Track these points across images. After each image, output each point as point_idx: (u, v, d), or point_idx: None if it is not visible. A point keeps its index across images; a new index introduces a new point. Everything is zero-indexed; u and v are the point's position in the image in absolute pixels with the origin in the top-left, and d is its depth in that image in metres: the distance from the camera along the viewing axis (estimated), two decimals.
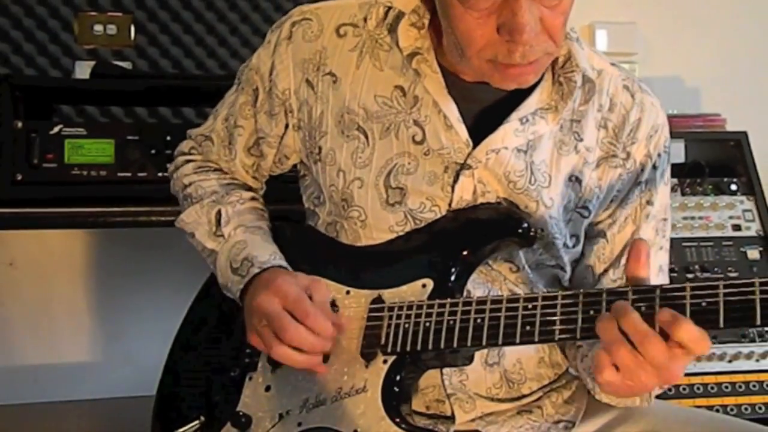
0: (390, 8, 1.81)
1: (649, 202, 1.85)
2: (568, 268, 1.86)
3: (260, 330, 1.72)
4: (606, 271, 1.86)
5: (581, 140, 1.80)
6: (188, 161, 2.07)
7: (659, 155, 1.85)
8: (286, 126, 1.92)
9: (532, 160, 1.77)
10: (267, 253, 1.83)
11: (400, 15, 1.79)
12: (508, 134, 1.75)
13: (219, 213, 1.92)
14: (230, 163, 2.01)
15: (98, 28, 3.25)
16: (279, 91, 1.89)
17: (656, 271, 1.86)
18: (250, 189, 2.04)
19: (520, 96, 1.75)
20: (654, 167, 1.84)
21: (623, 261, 1.83)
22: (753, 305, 1.39)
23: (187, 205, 1.98)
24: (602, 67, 1.83)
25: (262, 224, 1.94)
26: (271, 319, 1.68)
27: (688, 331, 1.39)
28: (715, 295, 1.42)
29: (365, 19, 1.84)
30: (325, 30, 1.86)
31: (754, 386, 2.87)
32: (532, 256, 1.80)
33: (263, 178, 2.05)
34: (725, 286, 1.42)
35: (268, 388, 1.79)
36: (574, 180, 1.81)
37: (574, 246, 1.85)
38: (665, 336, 1.42)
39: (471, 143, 1.75)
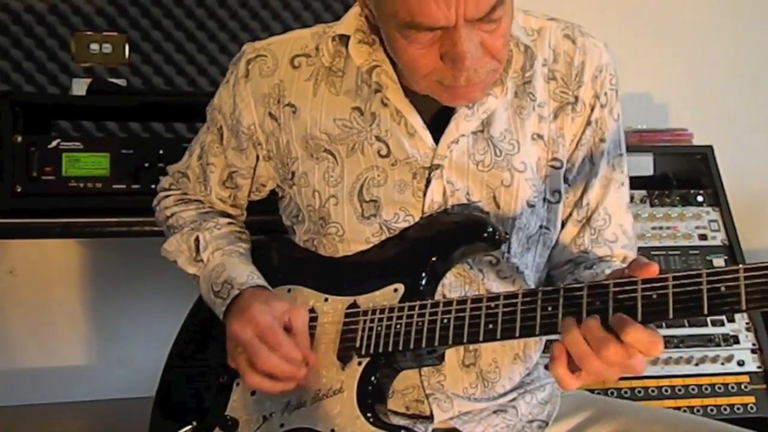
0: (336, 36, 1.81)
1: (602, 140, 1.85)
2: (552, 226, 1.86)
3: (236, 357, 1.74)
4: (570, 214, 1.87)
5: (536, 99, 1.80)
6: (168, 195, 2.10)
7: (606, 93, 1.83)
8: (257, 157, 1.94)
9: (490, 135, 1.77)
10: (245, 273, 1.85)
11: (346, 38, 1.80)
12: (461, 122, 1.76)
13: (197, 239, 1.94)
14: (207, 197, 2.04)
15: (94, 47, 3.25)
16: (244, 127, 1.90)
17: (625, 207, 1.89)
18: (228, 216, 2.05)
19: None
20: (602, 106, 1.83)
21: (585, 201, 1.86)
22: (701, 296, 1.40)
23: (170, 235, 2.00)
24: (541, 25, 1.83)
25: (240, 246, 1.96)
26: (245, 346, 1.70)
27: (636, 334, 1.40)
28: (665, 288, 1.43)
29: (317, 49, 1.85)
30: (280, 63, 1.87)
31: (719, 388, 2.87)
32: (516, 235, 1.81)
33: (242, 206, 2.07)
34: (674, 278, 1.43)
35: (253, 392, 1.80)
36: (537, 137, 1.81)
37: (557, 201, 1.85)
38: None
39: (435, 146, 1.76)
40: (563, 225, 1.88)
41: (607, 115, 1.84)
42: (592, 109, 1.82)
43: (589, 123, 1.83)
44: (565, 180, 1.86)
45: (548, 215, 1.85)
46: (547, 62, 1.82)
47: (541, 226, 1.84)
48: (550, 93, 1.82)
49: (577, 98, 1.81)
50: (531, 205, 1.80)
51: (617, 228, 1.87)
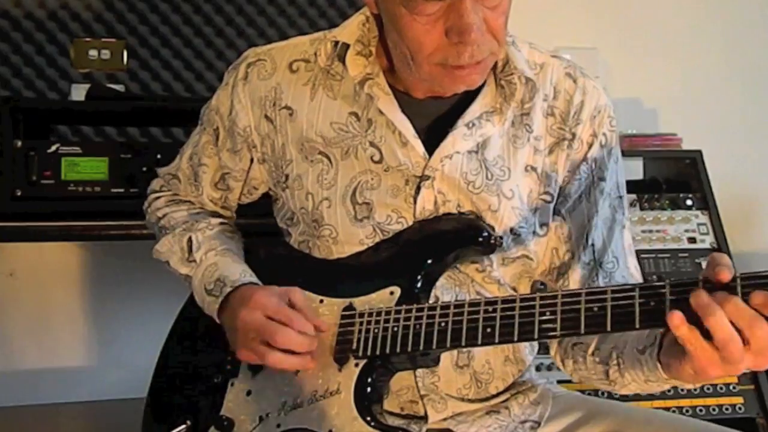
0: (336, 42, 1.82)
1: (601, 179, 1.84)
2: (535, 257, 1.85)
3: (250, 344, 1.72)
4: (573, 255, 1.84)
5: (532, 131, 1.81)
6: (159, 197, 2.10)
7: (605, 134, 1.83)
8: (251, 160, 1.94)
9: (484, 157, 1.78)
10: (237, 272, 1.84)
11: (346, 47, 1.80)
12: (458, 140, 1.76)
13: (190, 240, 1.94)
14: (198, 198, 2.04)
15: (93, 53, 3.24)
16: (240, 129, 1.90)
17: (630, 249, 1.87)
18: (219, 216, 2.05)
19: (466, 103, 1.77)
20: (601, 145, 1.83)
21: (590, 242, 1.83)
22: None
23: (162, 236, 2.00)
24: (544, 61, 1.85)
25: (232, 246, 1.96)
26: (259, 329, 1.69)
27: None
28: (662, 295, 1.44)
29: (316, 54, 1.85)
30: (278, 67, 1.88)
31: (708, 389, 2.88)
32: (497, 252, 1.79)
33: (233, 208, 2.07)
34: (671, 285, 1.44)
35: (248, 393, 1.79)
36: (530, 169, 1.81)
37: (545, 234, 1.84)
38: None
39: (427, 156, 1.76)
40: (567, 269, 1.84)
41: (606, 155, 1.84)
42: (590, 147, 1.82)
43: (585, 160, 1.83)
44: (558, 212, 1.85)
45: (534, 247, 1.84)
46: (547, 98, 1.82)
47: (524, 256, 1.83)
48: (548, 128, 1.82)
49: (574, 135, 1.81)
50: (515, 234, 1.80)
51: (625, 271, 1.85)
